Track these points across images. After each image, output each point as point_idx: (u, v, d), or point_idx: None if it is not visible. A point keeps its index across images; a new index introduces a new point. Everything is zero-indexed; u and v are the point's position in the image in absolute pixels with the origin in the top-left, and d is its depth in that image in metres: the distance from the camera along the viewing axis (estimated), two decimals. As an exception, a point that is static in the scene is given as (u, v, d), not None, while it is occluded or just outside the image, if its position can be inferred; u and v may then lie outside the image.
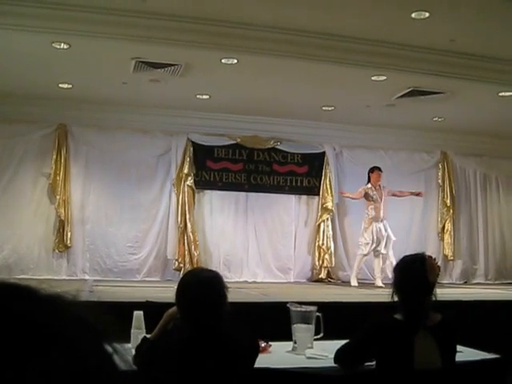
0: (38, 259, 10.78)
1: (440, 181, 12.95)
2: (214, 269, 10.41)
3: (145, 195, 11.43)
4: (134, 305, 4.82)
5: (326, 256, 11.97)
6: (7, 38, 7.66)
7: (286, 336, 3.93)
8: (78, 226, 11.05)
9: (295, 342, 3.82)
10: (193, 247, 11.36)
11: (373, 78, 9.09)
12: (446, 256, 12.73)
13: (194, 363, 2.76)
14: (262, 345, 3.69)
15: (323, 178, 12.18)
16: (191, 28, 7.75)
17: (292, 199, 12.21)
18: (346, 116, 11.43)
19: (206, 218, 11.76)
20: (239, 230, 11.86)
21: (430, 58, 8.64)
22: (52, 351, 0.64)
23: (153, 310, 3.80)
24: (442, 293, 8.16)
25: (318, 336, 3.89)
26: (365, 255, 10.89)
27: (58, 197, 10.86)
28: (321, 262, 12.00)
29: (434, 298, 3.32)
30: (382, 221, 10.90)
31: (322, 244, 12.02)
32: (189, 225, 11.39)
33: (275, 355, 3.71)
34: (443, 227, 12.82)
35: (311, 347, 3.80)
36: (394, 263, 9.89)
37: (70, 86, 9.78)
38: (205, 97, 10.43)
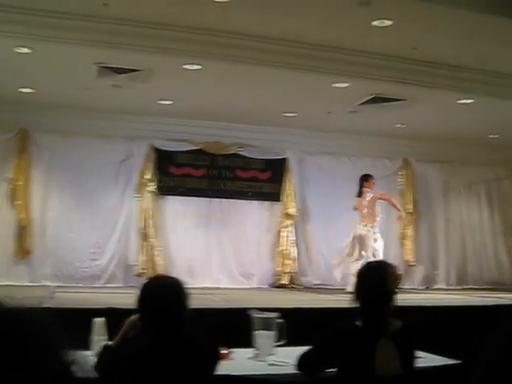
0: (-2, 265, 10.64)
1: (401, 187, 13.09)
2: (176, 275, 10.40)
3: (106, 201, 11.36)
4: (96, 311, 4.78)
5: (289, 262, 12.03)
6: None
7: (248, 342, 3.93)
8: (39, 232, 10.93)
9: (257, 349, 3.81)
10: (155, 253, 11.31)
11: (335, 85, 9.15)
12: (407, 261, 12.85)
13: (156, 370, 2.75)
14: (224, 352, 3.68)
15: (286, 183, 12.24)
16: (154, 34, 7.73)
17: (255, 205, 12.24)
18: (309, 122, 11.49)
19: (168, 223, 11.71)
20: (202, 236, 11.83)
21: (392, 65, 8.73)
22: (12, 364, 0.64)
23: (115, 316, 3.77)
24: (404, 298, 8.23)
25: (280, 343, 3.89)
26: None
27: (18, 202, 10.73)
28: (283, 268, 12.04)
29: (394, 305, 3.35)
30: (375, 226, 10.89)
31: (285, 250, 12.06)
32: (151, 230, 11.35)
33: (237, 362, 3.71)
34: (404, 233, 12.95)
35: (273, 354, 3.80)
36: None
37: (33, 90, 9.68)
38: (167, 102, 10.41)
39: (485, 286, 12.92)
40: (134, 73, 8.70)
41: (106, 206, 11.34)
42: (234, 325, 4.45)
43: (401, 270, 12.84)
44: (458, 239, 13.43)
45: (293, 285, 12.06)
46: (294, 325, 4.19)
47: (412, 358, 3.38)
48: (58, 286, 10.06)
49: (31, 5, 7.10)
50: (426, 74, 8.98)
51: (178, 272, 11.27)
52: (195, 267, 11.63)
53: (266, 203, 12.35)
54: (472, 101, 9.90)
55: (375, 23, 7.44)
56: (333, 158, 12.58)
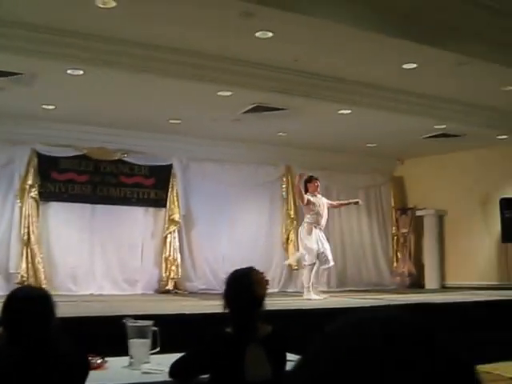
0: None
1: (284, 193, 13.38)
2: (59, 282, 10.23)
3: (-14, 206, 11.05)
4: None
5: (173, 267, 12.08)
6: None
7: (124, 351, 3.96)
8: None
9: (131, 357, 3.85)
10: (37, 260, 11.09)
11: (219, 94, 9.28)
12: (290, 266, 13.13)
13: (23, 381, 2.74)
14: (98, 361, 3.71)
15: (170, 190, 12.29)
16: (36, 37, 7.59)
17: (139, 211, 12.22)
18: (194, 129, 11.58)
19: (50, 230, 11.51)
20: (85, 242, 11.69)
21: (275, 75, 8.94)
22: None
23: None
24: (287, 301, 8.43)
25: (155, 350, 3.95)
26: (313, 264, 10.57)
27: None
28: (168, 274, 12.08)
29: (263, 310, 3.46)
30: (321, 229, 10.73)
31: (169, 256, 12.10)
32: (33, 237, 11.11)
33: (111, 371, 3.73)
34: (287, 238, 13.24)
35: (148, 362, 3.84)
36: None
37: None
38: (50, 107, 10.24)
39: (364, 288, 13.38)
40: (16, 76, 8.53)
41: (-15, 211, 11.03)
42: (110, 333, 4.47)
43: (284, 274, 13.14)
44: (338, 243, 13.85)
45: (178, 290, 12.11)
46: (172, 331, 4.27)
47: (283, 362, 3.45)
48: None
49: None
50: (307, 84, 9.25)
51: (62, 279, 11.16)
52: (79, 274, 11.49)
53: (151, 209, 12.36)
54: (350, 111, 10.27)
55: (258, 34, 7.60)
56: (217, 164, 12.72)
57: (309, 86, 9.29)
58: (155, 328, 3.93)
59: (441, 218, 14.25)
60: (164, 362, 3.65)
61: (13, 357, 2.80)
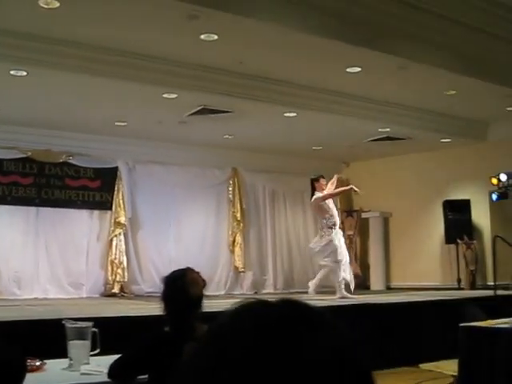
0: None
1: (231, 196, 13.43)
2: (3, 286, 10.05)
3: None
4: None
5: (119, 270, 12.01)
6: None
7: (64, 353, 3.94)
8: None
9: (71, 359, 3.83)
10: (-21, 264, 10.91)
11: (164, 96, 9.27)
12: (236, 268, 13.21)
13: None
14: (37, 363, 3.69)
15: (116, 192, 12.23)
16: (-21, 38, 7.51)
17: (84, 214, 12.11)
18: (139, 132, 11.54)
19: (-6, 233, 11.33)
20: (29, 246, 11.55)
21: (220, 78, 8.97)
22: None
23: None
24: (234, 304, 8.50)
25: (95, 352, 3.94)
26: (339, 261, 10.37)
27: None
28: (114, 277, 12.01)
29: (200, 310, 3.48)
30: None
31: (115, 258, 12.03)
32: (-25, 241, 10.93)
33: (49, 373, 3.70)
34: (234, 240, 13.29)
35: (87, 363, 3.83)
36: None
37: None
38: (-7, 108, 10.10)
39: (310, 290, 13.46)
40: (-43, 77, 8.40)
41: None
42: (51, 336, 4.44)
43: (231, 277, 13.18)
44: (285, 245, 13.98)
45: (124, 293, 12.04)
46: (113, 333, 4.26)
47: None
48: None
49: None
50: (253, 87, 9.31)
51: (5, 283, 10.99)
52: (22, 278, 11.33)
53: (96, 212, 12.27)
54: (295, 114, 10.36)
55: (203, 37, 7.63)
56: (164, 167, 12.69)
57: (254, 88, 9.34)
58: (95, 329, 3.91)
59: (386, 220, 14.48)
60: (104, 363, 3.63)
61: None
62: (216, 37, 7.65)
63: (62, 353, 3.95)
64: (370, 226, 14.56)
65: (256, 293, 13.16)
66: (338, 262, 10.30)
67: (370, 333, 7.60)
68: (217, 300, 8.77)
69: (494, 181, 11.05)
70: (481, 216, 12.98)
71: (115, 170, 12.30)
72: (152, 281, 12.25)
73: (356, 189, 10.74)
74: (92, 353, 3.91)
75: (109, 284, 12.06)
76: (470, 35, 8.26)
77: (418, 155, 13.52)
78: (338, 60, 8.43)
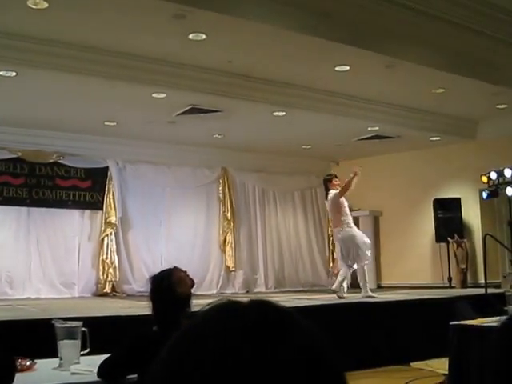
0: None
1: (221, 195, 13.45)
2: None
3: None
4: None
5: (111, 270, 12.02)
6: None
7: (55, 353, 3.95)
8: None
9: (61, 359, 3.84)
10: (-30, 264, 10.90)
11: (153, 95, 9.29)
12: (228, 267, 13.23)
13: None
14: (27, 363, 3.70)
15: (107, 192, 12.23)
16: (-32, 38, 7.51)
17: (75, 214, 12.12)
18: (129, 131, 11.54)
19: (-15, 233, 11.33)
20: (21, 246, 11.55)
21: (208, 77, 8.99)
22: None
23: None
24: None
25: (85, 351, 3.94)
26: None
27: None
28: (105, 276, 12.01)
29: (189, 309, 3.50)
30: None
31: (106, 258, 12.04)
32: (-34, 241, 10.92)
33: (39, 372, 3.71)
34: (224, 239, 13.31)
35: (78, 363, 3.83)
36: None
37: None
38: (-17, 109, 10.09)
39: (301, 288, 13.53)
40: None
41: None
42: (42, 336, 4.45)
43: (222, 276, 13.20)
44: (275, 244, 14.01)
45: (115, 293, 12.05)
46: (104, 332, 4.27)
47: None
48: None
49: None
50: (242, 86, 9.32)
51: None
52: (15, 278, 11.34)
53: (87, 212, 12.27)
54: (284, 113, 10.38)
55: (191, 36, 7.65)
56: (154, 166, 12.70)
57: (243, 87, 9.36)
58: (84, 329, 3.91)
59: (376, 219, 14.52)
60: (94, 363, 3.64)
61: None
62: (204, 36, 7.67)
63: (52, 352, 3.96)
64: (360, 224, 14.56)
65: (248, 292, 13.20)
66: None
67: (359, 331, 7.64)
68: (209, 299, 8.75)
69: (484, 179, 11.08)
70: (471, 214, 13.03)
71: (105, 169, 12.31)
72: (143, 280, 12.22)
73: (357, 169, 9.98)
74: (82, 352, 3.91)
75: (100, 284, 12.06)
76: (457, 33, 8.29)
77: (407, 154, 13.56)
78: (327, 59, 8.47)
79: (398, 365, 7.80)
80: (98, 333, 4.14)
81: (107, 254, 12.09)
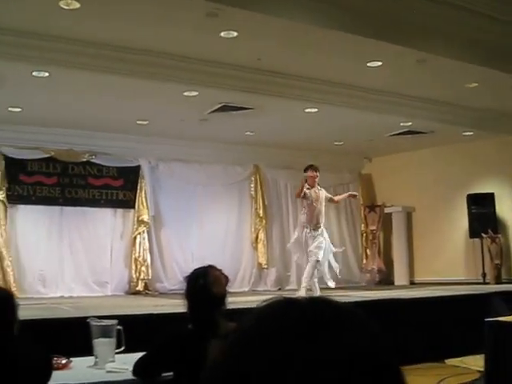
0: None
1: (253, 192, 13.43)
2: (28, 285, 10.13)
3: (-47, 211, 10.96)
4: None
5: (143, 268, 12.07)
6: None
7: (90, 351, 3.97)
8: None
9: (96, 357, 3.87)
10: (5, 263, 11.02)
11: (185, 94, 9.30)
12: (260, 264, 13.21)
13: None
14: (63, 361, 3.73)
15: (139, 191, 12.28)
16: (2, 40, 7.57)
17: (108, 212, 12.20)
18: (161, 130, 11.58)
19: (19, 232, 11.44)
20: (54, 245, 11.65)
21: (240, 75, 8.98)
22: None
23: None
24: (257, 300, 8.50)
25: (120, 349, 3.97)
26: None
27: None
28: (138, 275, 12.07)
29: (224, 307, 3.50)
30: (318, 227, 9.55)
31: (139, 256, 12.09)
32: (1, 240, 11.05)
33: (75, 371, 3.74)
34: (257, 237, 13.29)
35: (113, 361, 3.86)
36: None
37: None
38: (17, 109, 10.19)
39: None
40: (-20, 79, 8.49)
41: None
42: (77, 334, 4.48)
43: (254, 273, 13.19)
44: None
45: (148, 291, 12.10)
46: (137, 331, 4.29)
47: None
48: None
49: None
50: (273, 83, 9.30)
51: (30, 282, 11.10)
52: (48, 277, 11.44)
53: (120, 210, 12.34)
54: (317, 110, 10.35)
55: (222, 34, 7.65)
56: (185, 164, 12.72)
57: (275, 84, 9.33)
58: (119, 327, 3.94)
59: (409, 215, 14.40)
60: (129, 361, 3.66)
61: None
62: (236, 34, 7.66)
63: (87, 351, 3.99)
64: (392, 220, 14.50)
65: (280, 289, 13.18)
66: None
67: (392, 328, 7.58)
68: (241, 297, 8.81)
69: (518, 174, 10.96)
70: (505, 209, 12.88)
71: (138, 168, 12.36)
72: (175, 278, 12.30)
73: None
74: (117, 351, 3.94)
75: (133, 282, 12.12)
76: (489, 27, 8.18)
77: (440, 149, 13.43)
78: (359, 54, 8.40)
79: (433, 362, 7.74)
80: (133, 331, 4.16)
81: (139, 252, 12.15)
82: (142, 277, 12.08)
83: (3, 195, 11.22)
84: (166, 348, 3.43)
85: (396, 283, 13.90)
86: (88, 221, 11.99)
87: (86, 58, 8.08)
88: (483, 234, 12.64)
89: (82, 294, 11.49)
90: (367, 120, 11.02)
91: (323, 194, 9.91)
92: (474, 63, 8.67)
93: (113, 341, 3.90)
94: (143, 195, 12.29)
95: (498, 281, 12.29)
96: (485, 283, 12.30)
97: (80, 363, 3.90)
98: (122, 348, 3.96)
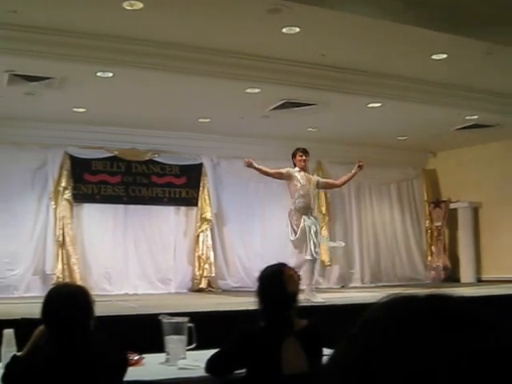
0: None
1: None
2: (94, 282, 10.32)
3: (21, 209, 11.16)
4: (7, 322, 4.74)
5: (206, 266, 12.11)
6: None
7: (161, 348, 3.99)
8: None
9: (168, 354, 3.88)
10: (72, 261, 11.21)
11: (247, 91, 9.29)
12: (323, 262, 13.08)
13: (62, 380, 2.78)
14: (135, 358, 3.74)
15: (201, 188, 12.33)
16: (65, 41, 7.69)
17: (171, 210, 12.28)
18: (223, 127, 11.60)
19: (84, 231, 11.63)
20: (119, 243, 11.80)
21: (302, 71, 8.92)
22: None
23: (29, 327, 3.78)
24: (321, 297, 8.35)
25: (191, 346, 3.97)
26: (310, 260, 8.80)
27: None
28: (201, 272, 12.12)
29: (297, 305, 3.47)
30: (311, 214, 8.99)
31: (202, 254, 12.14)
32: (67, 239, 11.24)
33: (148, 367, 3.76)
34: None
35: (184, 358, 3.86)
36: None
37: None
38: (81, 110, 10.35)
39: (398, 283, 13.31)
40: (46, 80, 8.63)
41: (21, 214, 11.15)
42: (147, 330, 4.50)
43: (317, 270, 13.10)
44: (371, 238, 13.81)
45: (211, 288, 12.14)
46: (206, 328, 4.28)
47: (319, 354, 3.46)
48: (-27, 298, 9.85)
49: None
50: (335, 79, 9.21)
51: (96, 279, 11.26)
52: (113, 274, 11.59)
53: (183, 208, 12.41)
54: (380, 104, 10.22)
55: (284, 30, 7.61)
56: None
57: (337, 80, 9.25)
58: (191, 324, 3.95)
59: (475, 211, 14.08)
60: (200, 358, 3.67)
61: (52, 353, 2.84)
62: (298, 29, 7.61)
63: (157, 347, 4.00)
64: (458, 216, 14.21)
65: (343, 287, 13.07)
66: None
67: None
68: (302, 295, 8.70)
69: None
70: None
71: (200, 166, 12.41)
72: (238, 276, 12.35)
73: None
74: (188, 348, 3.94)
75: (196, 279, 12.18)
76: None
77: (507, 142, 13.10)
78: (423, 47, 8.24)
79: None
80: (201, 328, 4.16)
81: (203, 249, 12.20)
82: (205, 274, 12.13)
83: (69, 194, 11.41)
84: (240, 345, 3.41)
85: (462, 281, 13.64)
86: (151, 219, 12.11)
87: (148, 57, 8.15)
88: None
89: (146, 291, 11.60)
90: (432, 114, 10.82)
91: (316, 178, 9.37)
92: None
93: (184, 338, 3.90)
94: (206, 193, 12.34)
95: None
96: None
97: (152, 360, 3.92)
98: (194, 345, 3.96)
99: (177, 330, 3.90)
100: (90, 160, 11.66)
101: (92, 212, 11.77)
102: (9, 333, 3.84)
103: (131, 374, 3.14)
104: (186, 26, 7.55)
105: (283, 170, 9.02)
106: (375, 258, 13.76)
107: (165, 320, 3.93)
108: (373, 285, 13.28)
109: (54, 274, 11.04)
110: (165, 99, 9.80)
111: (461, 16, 7.58)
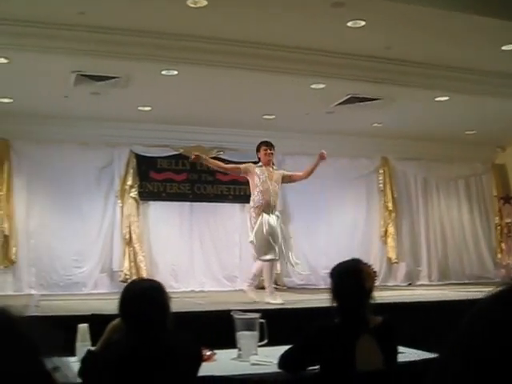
0: (-18, 275, 10.63)
1: (381, 185, 13.18)
2: (160, 279, 10.42)
3: (89, 208, 11.36)
4: (80, 318, 4.81)
5: (272, 263, 12.06)
6: None
7: (232, 344, 3.98)
8: (23, 241, 10.91)
9: (240, 350, 3.86)
10: (138, 258, 11.34)
11: (312, 86, 9.24)
12: (389, 259, 12.96)
13: (138, 374, 2.79)
14: (207, 353, 3.73)
15: (267, 185, 12.29)
16: (131, 41, 7.78)
17: (236, 208, 12.28)
18: (287, 124, 11.55)
19: (151, 228, 11.75)
20: (184, 240, 11.87)
21: (367, 65, 8.82)
22: None
23: (99, 322, 3.81)
24: (388, 295, 8.27)
25: (263, 342, 3.95)
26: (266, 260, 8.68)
27: (1, 212, 10.72)
28: (267, 270, 12.08)
29: (372, 302, 3.42)
30: (272, 212, 8.66)
31: (267, 251, 12.10)
32: (134, 236, 11.37)
33: (220, 363, 3.76)
34: (386, 231, 13.04)
35: (256, 354, 3.84)
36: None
37: (11, 100, 9.69)
38: (146, 108, 10.45)
39: (466, 281, 13.05)
40: (111, 80, 8.74)
41: (88, 212, 11.34)
42: (218, 327, 4.50)
43: (384, 268, 12.97)
44: (439, 235, 13.57)
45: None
46: (277, 325, 4.26)
47: (394, 352, 3.42)
48: (42, 295, 10.04)
49: (6, 15, 7.12)
50: (401, 72, 9.08)
51: (162, 276, 11.31)
52: (179, 271, 11.68)
53: (248, 206, 12.39)
54: (448, 98, 10.02)
55: (349, 24, 7.54)
56: (312, 158, 12.57)
57: (403, 74, 9.11)
58: (262, 320, 3.93)
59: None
60: (272, 354, 3.65)
61: (128, 347, 2.84)
62: (363, 23, 7.53)
63: (227, 344, 4.00)
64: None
65: (410, 284, 12.89)
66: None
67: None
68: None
69: None
70: None
71: (264, 163, 12.37)
72: (303, 273, 12.26)
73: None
74: (259, 344, 3.93)
75: (261, 276, 12.14)
76: None
77: None
78: (493, 38, 8.03)
79: None
80: (272, 325, 4.13)
81: (268, 247, 12.16)
82: (270, 271, 12.08)
83: (135, 192, 11.55)
84: (314, 341, 3.37)
85: (534, 280, 13.27)
86: (217, 216, 12.15)
87: (213, 54, 8.18)
88: None
89: (212, 288, 11.64)
90: (502, 107, 10.54)
91: (280, 173, 8.94)
92: None
93: (256, 334, 3.88)
94: (271, 190, 12.31)
95: None
96: None
97: (224, 355, 3.91)
98: (265, 341, 3.94)
99: (248, 326, 3.89)
100: (155, 158, 11.78)
101: (158, 210, 11.88)
102: (83, 327, 3.88)
103: (204, 369, 3.13)
104: (249, 22, 7.56)
105: (241, 166, 8.73)
106: (443, 256, 13.52)
107: (237, 316, 3.91)
108: (440, 282, 13.05)
109: (121, 272, 11.19)
110: (229, 96, 9.81)
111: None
